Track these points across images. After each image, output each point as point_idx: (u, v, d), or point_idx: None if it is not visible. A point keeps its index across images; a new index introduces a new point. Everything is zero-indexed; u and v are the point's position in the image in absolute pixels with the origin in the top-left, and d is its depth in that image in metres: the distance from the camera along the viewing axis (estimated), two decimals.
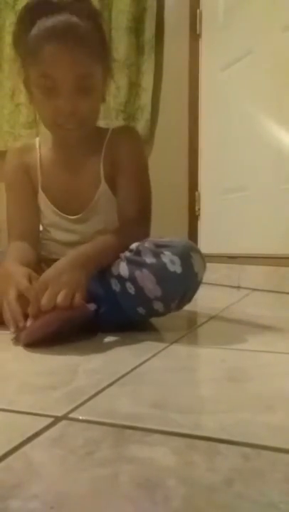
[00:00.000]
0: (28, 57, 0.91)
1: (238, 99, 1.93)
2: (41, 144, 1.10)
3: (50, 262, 0.98)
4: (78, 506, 0.30)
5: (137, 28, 2.24)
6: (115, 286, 0.86)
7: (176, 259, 0.81)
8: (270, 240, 1.73)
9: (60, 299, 0.76)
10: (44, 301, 0.76)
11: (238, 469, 0.34)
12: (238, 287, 1.82)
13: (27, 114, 2.49)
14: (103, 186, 1.05)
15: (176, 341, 0.80)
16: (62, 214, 1.08)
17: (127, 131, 1.12)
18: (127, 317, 0.87)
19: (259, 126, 1.80)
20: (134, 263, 0.84)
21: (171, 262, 0.81)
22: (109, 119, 2.24)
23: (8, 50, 2.51)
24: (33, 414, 0.45)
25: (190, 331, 0.95)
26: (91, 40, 0.89)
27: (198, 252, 0.86)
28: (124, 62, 2.23)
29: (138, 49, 2.26)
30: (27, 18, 0.89)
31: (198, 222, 2.23)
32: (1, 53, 2.55)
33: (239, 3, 1.94)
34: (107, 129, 1.08)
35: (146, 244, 0.85)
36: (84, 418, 0.45)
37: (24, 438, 0.40)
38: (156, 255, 0.82)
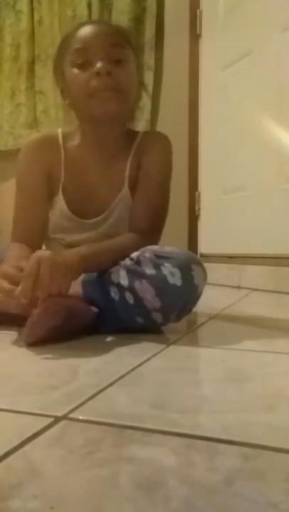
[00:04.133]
0: (63, 53, 0.95)
1: (238, 99, 1.93)
2: (65, 139, 1.03)
3: None
4: (78, 506, 0.30)
5: (137, 28, 2.24)
6: (114, 294, 0.84)
7: (176, 271, 0.80)
8: (270, 240, 1.73)
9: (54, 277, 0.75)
10: (42, 280, 0.74)
11: (238, 469, 0.34)
12: (238, 287, 1.82)
13: (27, 114, 2.49)
14: (125, 190, 1.02)
15: (176, 341, 0.80)
16: (76, 218, 1.03)
17: (159, 138, 1.07)
18: (124, 326, 0.86)
19: (259, 126, 1.80)
20: (134, 273, 0.82)
21: (171, 274, 0.80)
22: None
23: (9, 50, 2.51)
24: (33, 414, 0.45)
25: (190, 331, 0.95)
26: (125, 38, 0.95)
27: (199, 264, 0.84)
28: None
29: (138, 49, 2.26)
30: (65, 40, 0.97)
31: (198, 222, 2.23)
32: (1, 53, 2.55)
33: (239, 3, 1.94)
34: (138, 132, 1.06)
35: (147, 254, 0.84)
36: (84, 418, 0.45)
37: (24, 438, 0.40)
38: (157, 267, 0.81)
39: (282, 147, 1.69)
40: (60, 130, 1.04)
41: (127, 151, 1.02)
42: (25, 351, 0.74)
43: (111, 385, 0.55)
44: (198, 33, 2.20)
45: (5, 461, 0.36)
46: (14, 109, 2.52)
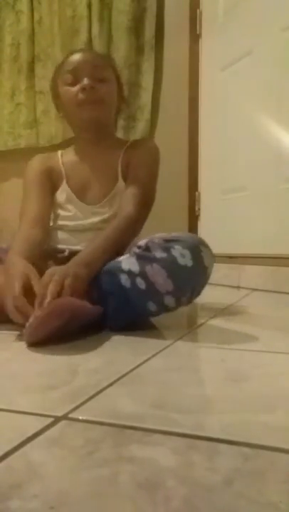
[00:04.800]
0: (57, 76, 1.16)
1: (238, 99, 1.93)
2: (63, 155, 1.24)
3: (55, 251, 1.14)
4: (78, 506, 0.30)
5: (137, 28, 2.24)
6: (125, 282, 0.86)
7: (186, 252, 0.83)
8: (270, 239, 1.73)
9: (66, 284, 0.81)
10: (51, 287, 0.79)
11: (238, 469, 0.34)
12: (238, 287, 1.82)
13: (27, 114, 2.49)
14: (120, 183, 1.16)
15: (176, 341, 0.80)
16: (79, 202, 1.17)
17: (147, 142, 1.25)
18: (136, 314, 0.87)
19: (259, 126, 1.80)
20: (144, 258, 0.85)
21: (181, 255, 0.82)
22: None
23: (9, 50, 2.51)
24: (33, 414, 0.45)
25: (190, 330, 0.95)
26: (107, 63, 1.17)
27: (207, 246, 0.88)
28: (124, 62, 2.23)
29: (138, 49, 2.26)
30: (59, 66, 1.18)
31: (198, 222, 2.23)
32: (1, 53, 2.54)
33: (239, 3, 1.94)
34: (127, 140, 1.25)
35: (156, 240, 0.87)
36: (84, 418, 0.45)
37: (24, 438, 0.40)
38: (166, 250, 0.84)
39: (282, 147, 1.69)
40: (59, 151, 1.27)
41: (117, 151, 1.18)
42: (25, 351, 0.74)
43: (111, 385, 0.55)
44: (198, 33, 2.20)
45: (5, 461, 0.36)
46: (14, 109, 2.52)
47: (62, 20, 2.37)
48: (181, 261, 0.82)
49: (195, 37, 2.20)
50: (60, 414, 0.45)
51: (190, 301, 0.88)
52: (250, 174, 1.86)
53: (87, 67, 1.10)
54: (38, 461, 0.36)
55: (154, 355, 0.70)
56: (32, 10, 2.46)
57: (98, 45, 2.28)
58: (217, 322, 1.03)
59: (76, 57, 1.13)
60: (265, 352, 0.75)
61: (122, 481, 0.33)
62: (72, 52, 1.19)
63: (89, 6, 2.30)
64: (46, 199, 1.16)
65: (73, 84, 1.11)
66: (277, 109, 1.71)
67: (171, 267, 0.82)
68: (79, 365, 0.65)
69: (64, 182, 1.18)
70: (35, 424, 0.43)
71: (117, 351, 0.74)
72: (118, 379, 0.57)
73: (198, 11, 2.19)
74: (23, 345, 0.77)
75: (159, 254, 0.83)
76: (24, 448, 0.38)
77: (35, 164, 1.21)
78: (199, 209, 2.23)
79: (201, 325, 1.01)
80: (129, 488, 0.32)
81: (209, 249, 0.88)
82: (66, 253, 1.12)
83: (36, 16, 2.46)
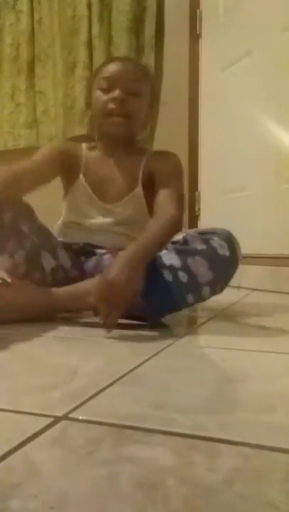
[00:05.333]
0: (94, 77, 1.17)
1: (238, 99, 1.93)
2: (88, 148, 1.21)
3: (69, 245, 1.13)
4: (78, 506, 0.30)
5: (137, 28, 2.24)
6: (168, 276, 0.89)
7: (224, 243, 0.92)
8: (270, 240, 1.73)
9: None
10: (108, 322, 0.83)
11: (238, 469, 0.34)
12: (238, 287, 1.82)
13: (27, 114, 2.49)
14: (138, 189, 1.15)
15: (176, 341, 0.80)
16: (96, 199, 1.15)
17: (169, 153, 1.21)
18: (175, 308, 0.92)
19: (259, 126, 1.79)
20: (185, 252, 0.90)
21: (220, 246, 0.91)
22: None
23: (8, 50, 2.50)
24: (33, 414, 0.45)
25: (190, 330, 0.95)
26: (144, 77, 1.15)
27: (236, 240, 0.96)
28: None
29: (138, 49, 2.26)
30: (99, 68, 1.18)
31: (198, 222, 2.23)
32: (1, 53, 2.54)
33: (239, 3, 1.94)
34: (147, 148, 1.30)
35: (192, 233, 0.94)
36: (84, 418, 0.45)
37: (24, 438, 0.40)
38: (206, 241, 0.91)
39: (282, 147, 1.69)
40: (84, 144, 1.23)
41: (139, 157, 1.17)
42: (25, 351, 0.74)
43: (111, 385, 0.55)
44: (198, 33, 2.20)
45: (5, 461, 0.36)
46: (14, 109, 2.52)
47: (62, 20, 2.37)
48: (220, 251, 0.90)
49: (195, 37, 2.20)
50: (60, 414, 0.45)
51: (222, 290, 0.95)
52: (250, 174, 1.86)
53: (123, 79, 1.10)
54: (38, 461, 0.36)
55: (154, 355, 0.70)
56: (32, 10, 2.46)
57: (98, 45, 2.28)
58: (217, 322, 1.03)
59: (115, 65, 1.13)
60: (265, 352, 0.75)
61: (122, 480, 0.33)
62: (113, 59, 1.22)
63: (89, 6, 2.30)
64: (45, 171, 1.12)
65: (106, 91, 1.10)
66: (277, 109, 1.71)
67: (213, 257, 0.89)
68: (79, 365, 0.65)
69: (81, 176, 1.16)
70: (35, 424, 0.43)
71: (117, 351, 0.74)
72: (118, 379, 0.57)
73: (198, 10, 2.19)
74: (22, 345, 0.77)
75: (200, 246, 0.91)
76: (24, 448, 0.38)
77: (57, 144, 1.24)
78: (199, 209, 2.23)
79: (201, 325, 1.01)
80: (129, 488, 0.32)
81: (238, 243, 0.96)
82: (81, 244, 1.14)
83: (36, 16, 2.46)
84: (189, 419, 0.44)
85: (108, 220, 1.15)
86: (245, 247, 1.84)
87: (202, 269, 0.89)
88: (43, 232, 1.07)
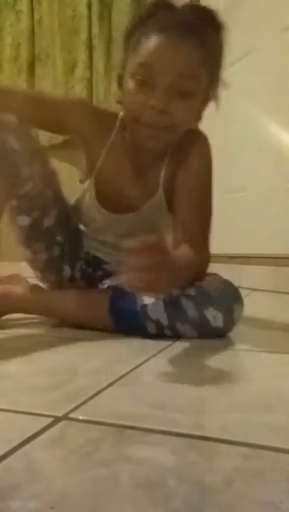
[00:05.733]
0: (131, 46, 0.82)
1: (238, 99, 1.93)
2: (120, 126, 0.94)
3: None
4: (78, 506, 0.30)
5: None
6: (152, 330, 0.82)
7: (219, 315, 0.79)
8: (270, 239, 1.73)
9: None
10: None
11: (238, 469, 0.34)
12: (238, 287, 1.82)
13: None
14: (159, 194, 0.95)
15: (176, 341, 0.80)
16: (103, 210, 0.97)
17: (197, 142, 0.96)
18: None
19: (259, 126, 1.79)
20: (175, 313, 0.80)
21: (214, 317, 0.79)
22: None
23: (9, 50, 2.51)
24: (33, 414, 0.45)
25: None
26: (207, 47, 0.81)
27: (240, 301, 0.83)
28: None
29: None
30: (146, 12, 0.83)
31: None
32: (1, 53, 2.54)
33: (239, 3, 1.94)
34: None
35: (189, 292, 0.81)
36: (84, 418, 0.45)
37: (24, 438, 0.40)
38: (199, 309, 0.79)
39: (282, 147, 1.69)
40: (121, 114, 0.94)
41: (162, 154, 0.94)
42: (25, 351, 0.74)
43: (111, 385, 0.55)
44: None
45: (5, 461, 0.36)
46: None
47: (62, 20, 2.37)
48: (213, 323, 0.79)
49: None
50: (60, 414, 0.45)
51: None
52: (250, 174, 1.86)
53: (170, 72, 0.78)
54: (38, 461, 0.36)
55: (153, 355, 0.70)
56: (32, 10, 2.46)
57: (98, 45, 2.28)
58: None
59: (164, 47, 0.78)
60: (265, 352, 0.75)
61: (122, 480, 0.33)
62: (166, 29, 0.78)
63: (89, 6, 2.30)
64: (63, 129, 0.95)
65: (143, 85, 0.80)
66: (277, 109, 1.71)
67: (204, 329, 0.80)
68: (79, 365, 0.64)
69: (92, 178, 0.96)
70: (35, 424, 0.43)
71: (117, 351, 0.74)
72: (118, 379, 0.57)
73: None
74: (22, 345, 0.77)
75: (191, 312, 0.79)
76: (24, 448, 0.38)
77: (86, 109, 0.94)
78: None
79: None
80: (129, 487, 0.32)
81: (241, 305, 0.83)
82: (90, 256, 1.08)
83: (36, 16, 2.46)
84: (189, 419, 0.44)
85: (119, 230, 1.00)
86: (246, 247, 1.85)
87: (189, 335, 0.81)
88: (74, 241, 1.00)
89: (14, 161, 0.83)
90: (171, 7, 0.81)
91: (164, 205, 0.96)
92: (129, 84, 0.82)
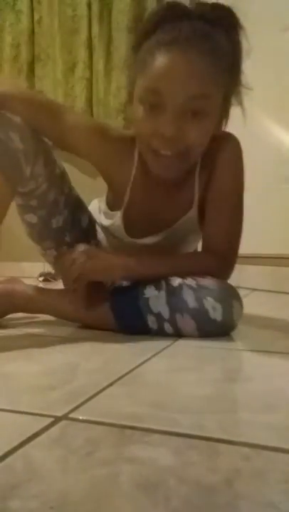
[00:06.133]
0: (138, 64, 0.78)
1: None
2: (139, 156, 0.89)
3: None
4: (78, 506, 0.30)
5: (137, 28, 2.24)
6: (152, 324, 0.83)
7: (218, 306, 0.80)
8: (270, 240, 1.73)
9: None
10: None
11: (238, 469, 0.34)
12: (238, 287, 1.81)
13: None
14: (193, 212, 0.93)
15: (175, 341, 0.80)
16: (128, 237, 0.96)
17: (228, 148, 0.94)
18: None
19: (259, 126, 1.79)
20: (175, 304, 0.81)
21: (213, 308, 0.79)
22: (109, 118, 2.24)
23: (9, 50, 2.50)
24: (33, 414, 0.45)
25: None
26: (220, 57, 0.77)
27: (239, 299, 0.84)
28: (124, 62, 2.23)
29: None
30: (151, 23, 0.78)
31: None
32: (1, 53, 2.54)
33: (239, 3, 1.94)
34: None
35: (188, 282, 0.82)
36: (84, 418, 0.45)
37: (24, 438, 0.40)
38: (199, 299, 0.80)
39: (282, 147, 1.69)
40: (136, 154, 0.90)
41: (192, 170, 0.91)
42: (25, 351, 0.74)
43: (111, 385, 0.55)
44: None
45: (5, 461, 0.36)
46: None
47: (62, 20, 2.37)
48: (212, 314, 0.79)
49: None
50: (60, 414, 0.45)
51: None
52: (250, 174, 1.85)
53: (180, 96, 0.73)
54: (38, 461, 0.36)
55: (153, 355, 0.70)
56: (32, 10, 2.46)
57: (98, 45, 2.28)
58: None
59: (168, 64, 0.73)
60: (265, 352, 0.75)
61: (122, 481, 0.33)
62: (168, 40, 0.73)
63: (89, 6, 2.30)
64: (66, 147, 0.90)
65: (152, 109, 0.75)
66: (277, 108, 1.71)
67: (202, 319, 0.80)
68: (79, 364, 0.64)
69: (121, 213, 0.93)
70: (35, 424, 0.43)
71: (117, 351, 0.74)
72: (118, 379, 0.57)
73: None
74: (23, 345, 0.77)
75: (192, 303, 0.80)
76: (24, 448, 0.38)
77: (106, 137, 0.88)
78: None
79: None
80: (129, 488, 0.32)
81: (240, 303, 0.84)
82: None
83: (36, 16, 2.46)
84: (189, 419, 0.44)
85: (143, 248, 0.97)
86: (245, 247, 1.85)
87: (189, 328, 0.81)
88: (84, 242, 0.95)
89: (17, 159, 0.83)
90: (176, 14, 0.76)
91: (196, 218, 0.95)
92: (139, 110, 0.78)
